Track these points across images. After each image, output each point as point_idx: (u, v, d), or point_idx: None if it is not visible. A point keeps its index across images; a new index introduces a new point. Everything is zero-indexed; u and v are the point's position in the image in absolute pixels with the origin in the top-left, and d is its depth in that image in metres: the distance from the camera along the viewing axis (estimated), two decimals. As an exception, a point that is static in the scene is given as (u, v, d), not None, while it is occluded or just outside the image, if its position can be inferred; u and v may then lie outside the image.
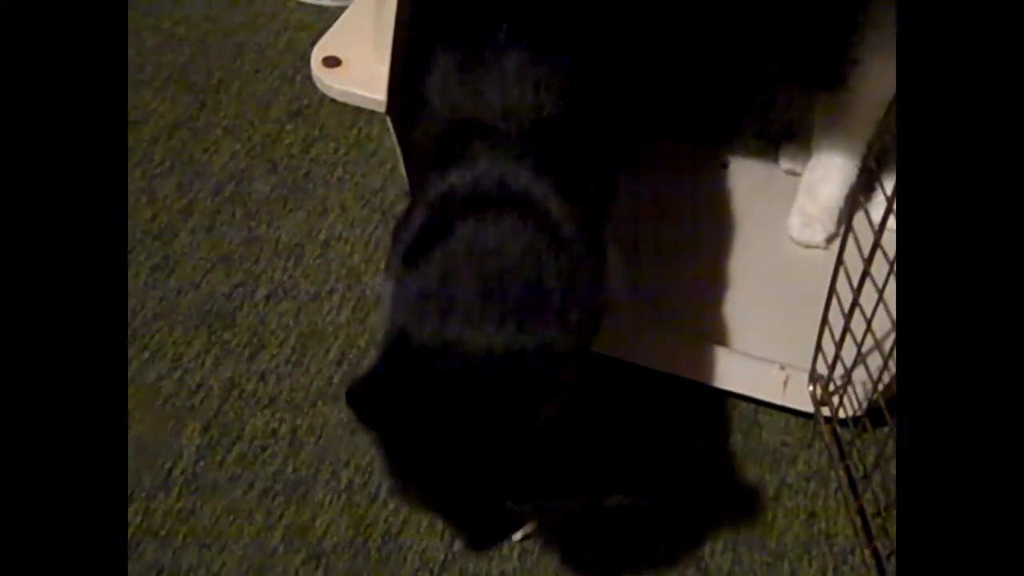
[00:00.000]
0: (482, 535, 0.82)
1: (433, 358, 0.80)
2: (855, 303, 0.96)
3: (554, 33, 0.98)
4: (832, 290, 1.01)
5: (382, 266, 1.25)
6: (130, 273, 1.32)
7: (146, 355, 1.24)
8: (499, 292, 0.82)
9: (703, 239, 1.25)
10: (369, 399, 0.79)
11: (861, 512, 1.04)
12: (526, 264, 0.84)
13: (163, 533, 1.09)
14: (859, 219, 0.94)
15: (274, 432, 1.17)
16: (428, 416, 0.78)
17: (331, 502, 1.09)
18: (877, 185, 1.05)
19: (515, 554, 1.01)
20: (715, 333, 1.16)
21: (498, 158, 0.89)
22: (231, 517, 1.10)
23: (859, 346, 0.98)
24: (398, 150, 1.13)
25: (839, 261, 0.98)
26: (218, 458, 1.15)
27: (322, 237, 1.34)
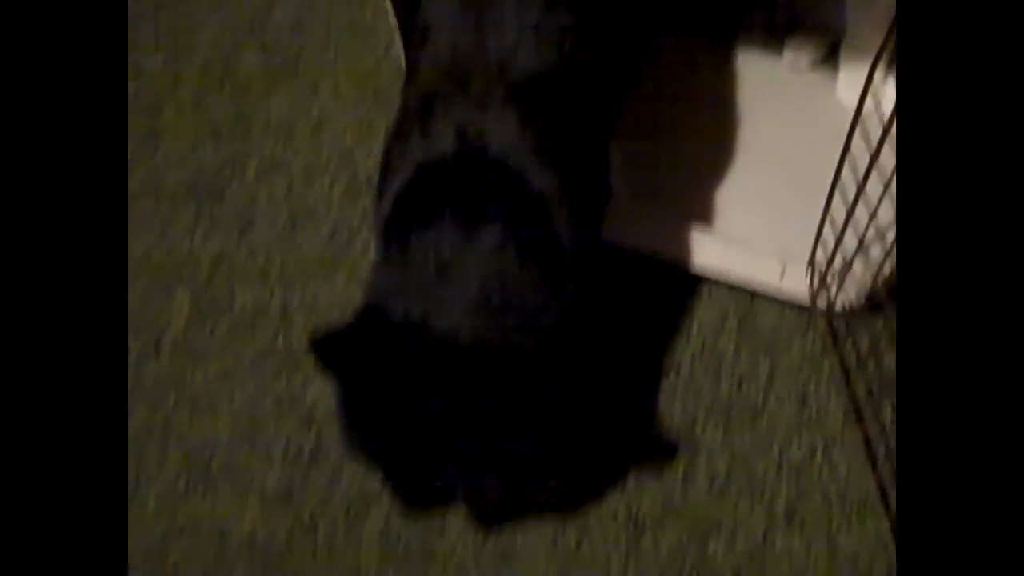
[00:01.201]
0: (417, 496, 0.85)
1: (403, 331, 0.81)
2: (860, 191, 0.96)
3: None
4: (836, 179, 1.01)
5: (374, 149, 1.24)
6: (116, 144, 1.29)
7: (134, 227, 1.22)
8: (473, 284, 0.82)
9: (706, 129, 1.24)
10: (333, 346, 0.80)
11: (853, 398, 1.06)
12: (500, 258, 0.84)
13: (154, 397, 1.08)
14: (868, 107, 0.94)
15: (265, 305, 1.15)
16: (387, 375, 0.79)
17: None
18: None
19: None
20: (714, 221, 1.16)
21: (486, 123, 0.87)
22: (222, 383, 1.09)
23: (862, 236, 0.98)
24: (396, 34, 1.10)
25: (846, 149, 0.98)
26: (208, 328, 1.14)
27: (314, 116, 1.32)
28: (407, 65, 1.00)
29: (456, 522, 0.99)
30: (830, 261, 1.07)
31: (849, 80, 1.24)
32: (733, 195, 1.18)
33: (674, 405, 1.06)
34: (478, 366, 0.80)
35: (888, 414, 1.03)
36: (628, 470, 1.02)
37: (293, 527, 0.99)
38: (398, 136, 0.92)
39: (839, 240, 1.04)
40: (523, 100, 0.87)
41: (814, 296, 1.11)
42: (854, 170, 0.97)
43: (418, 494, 0.89)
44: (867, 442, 1.03)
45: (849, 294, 1.07)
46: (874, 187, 0.93)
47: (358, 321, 0.84)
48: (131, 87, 1.35)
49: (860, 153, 0.94)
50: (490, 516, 0.99)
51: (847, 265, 1.05)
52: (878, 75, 0.87)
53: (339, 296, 1.16)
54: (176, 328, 1.14)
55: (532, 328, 0.83)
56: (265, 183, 1.26)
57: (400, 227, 0.87)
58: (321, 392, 1.08)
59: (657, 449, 1.04)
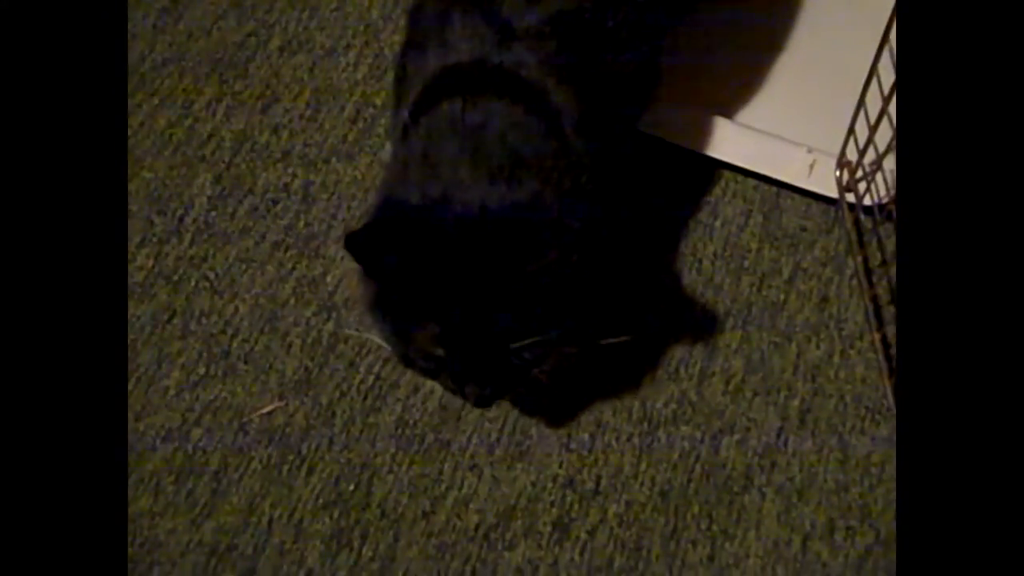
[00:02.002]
0: (486, 386, 0.83)
1: (426, 214, 0.80)
2: (896, 85, 0.93)
3: None
4: (873, 70, 0.97)
5: (400, 24, 1.21)
6: (138, 15, 1.27)
7: (156, 101, 1.21)
8: (485, 156, 0.82)
9: (737, 18, 1.19)
10: (369, 244, 0.78)
11: (874, 299, 1.04)
12: (513, 134, 0.84)
13: (175, 278, 1.09)
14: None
15: (286, 186, 1.15)
16: (425, 263, 0.78)
17: (343, 258, 1.08)
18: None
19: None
20: (744, 112, 1.13)
21: (506, 38, 0.86)
22: (243, 267, 1.10)
23: (896, 130, 0.95)
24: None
25: (885, 37, 0.94)
26: (230, 209, 1.14)
27: (339, -12, 1.29)
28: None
29: (473, 415, 1.00)
30: (861, 156, 1.05)
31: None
32: (763, 87, 1.14)
33: (694, 303, 1.05)
34: (501, 240, 0.79)
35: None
36: (644, 368, 1.02)
37: (310, 413, 1.01)
38: (414, 46, 0.91)
39: (872, 134, 1.01)
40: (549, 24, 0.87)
41: (842, 192, 1.08)
42: (893, 60, 0.93)
43: (486, 383, 0.88)
44: (885, 345, 1.02)
45: (879, 191, 1.04)
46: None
47: (383, 213, 0.84)
48: (152, -46, 1.32)
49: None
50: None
51: (878, 160, 1.02)
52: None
53: (362, 178, 1.14)
54: (198, 208, 1.13)
55: (550, 197, 0.83)
56: (288, 59, 1.24)
57: (415, 119, 0.87)
58: (343, 278, 1.08)
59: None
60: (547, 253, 0.77)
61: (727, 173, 1.11)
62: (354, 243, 0.77)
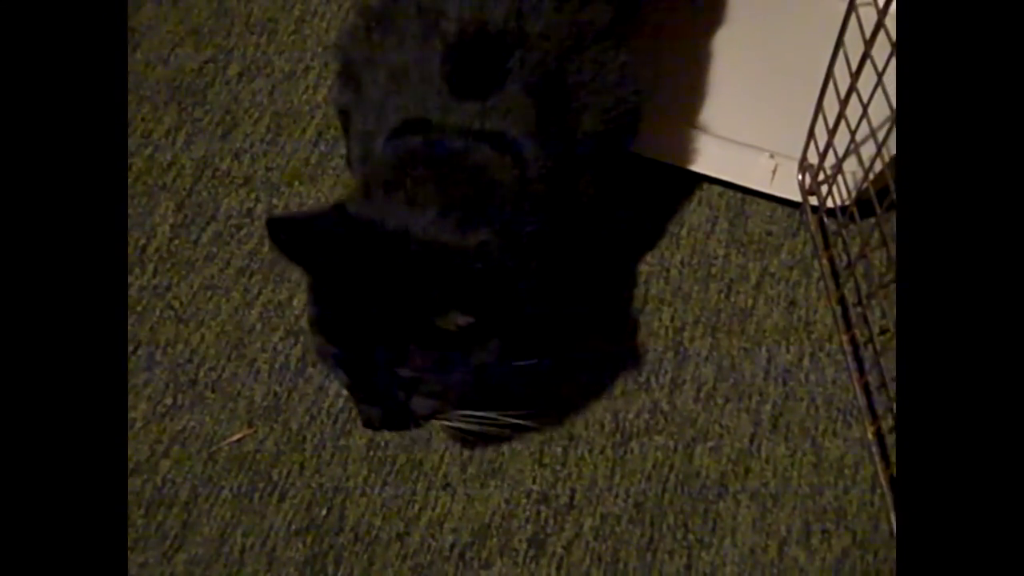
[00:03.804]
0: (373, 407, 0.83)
1: (362, 225, 0.79)
2: (852, 87, 0.93)
3: None
4: (829, 74, 0.98)
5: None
6: (95, 45, 1.26)
7: (115, 130, 1.20)
8: (444, 189, 0.81)
9: (695, 25, 1.20)
10: (287, 229, 0.78)
11: (842, 301, 1.04)
12: (477, 173, 0.83)
13: (139, 308, 1.07)
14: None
15: (249, 211, 1.14)
16: (336, 271, 0.78)
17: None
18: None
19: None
20: (705, 120, 1.13)
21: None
22: (208, 294, 1.09)
23: (853, 133, 0.96)
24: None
25: (839, 42, 0.94)
26: (193, 236, 1.13)
27: (296, 12, 1.28)
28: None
29: (443, 435, 0.99)
30: (822, 159, 1.05)
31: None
32: (724, 93, 1.15)
33: (663, 311, 1.05)
34: (419, 277, 0.77)
35: (876, 317, 1.02)
36: (615, 379, 1.02)
37: (280, 439, 1.00)
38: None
39: (831, 138, 1.01)
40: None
41: (806, 196, 1.08)
42: (848, 65, 0.93)
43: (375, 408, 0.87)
44: (854, 346, 1.02)
45: (841, 194, 1.05)
46: (867, 82, 0.90)
47: (320, 213, 0.83)
48: (108, -17, 1.31)
49: (854, 47, 0.91)
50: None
51: (839, 163, 1.02)
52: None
53: (325, 199, 1.14)
54: (161, 237, 1.12)
55: (498, 235, 0.81)
56: (247, 84, 1.23)
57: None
58: (306, 303, 1.07)
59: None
60: (457, 308, 0.75)
61: (692, 180, 1.11)
62: (273, 225, 0.77)
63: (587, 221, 0.96)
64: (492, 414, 0.84)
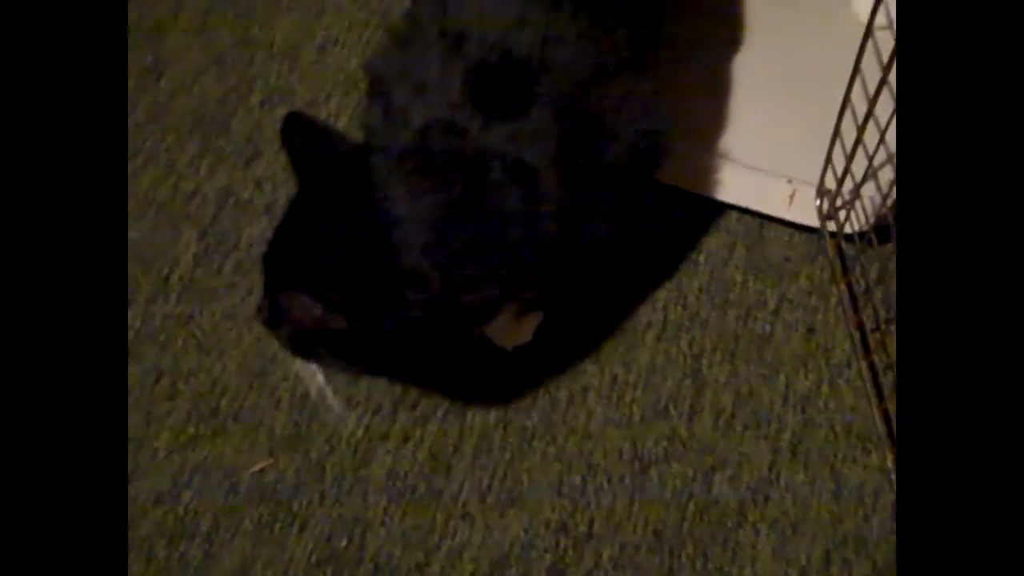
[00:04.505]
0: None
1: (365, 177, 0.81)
2: (869, 113, 0.93)
3: None
4: (847, 99, 0.97)
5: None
6: (119, 75, 1.28)
7: (139, 160, 1.21)
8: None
9: (711, 49, 1.20)
10: (303, 131, 0.83)
11: (860, 327, 1.04)
12: (482, 191, 0.83)
13: (162, 338, 1.09)
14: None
15: (271, 240, 1.15)
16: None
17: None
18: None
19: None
20: (722, 146, 1.13)
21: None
22: (230, 323, 1.10)
23: (870, 158, 0.95)
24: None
25: (856, 69, 0.94)
26: (215, 265, 1.14)
27: (318, 40, 1.29)
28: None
29: (462, 464, 1.00)
30: (839, 184, 1.05)
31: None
32: (741, 118, 1.14)
33: (680, 338, 1.05)
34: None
35: (894, 344, 1.02)
36: (633, 407, 1.02)
37: (300, 469, 1.01)
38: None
39: (849, 163, 1.01)
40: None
41: (824, 222, 1.08)
42: (865, 90, 0.93)
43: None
44: (873, 373, 1.01)
45: (859, 219, 1.04)
46: (885, 107, 0.89)
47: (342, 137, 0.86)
48: (132, 13, 1.32)
49: (871, 72, 0.91)
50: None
51: (856, 188, 1.02)
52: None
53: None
54: (184, 266, 1.14)
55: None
56: (269, 112, 1.24)
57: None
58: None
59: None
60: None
61: (709, 205, 1.11)
62: (290, 121, 0.81)
63: (602, 250, 0.96)
64: None
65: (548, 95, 0.85)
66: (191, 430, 1.04)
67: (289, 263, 0.82)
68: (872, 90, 0.91)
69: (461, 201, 0.80)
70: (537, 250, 0.85)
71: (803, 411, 1.01)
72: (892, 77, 0.87)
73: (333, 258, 0.79)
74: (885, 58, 0.87)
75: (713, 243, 1.10)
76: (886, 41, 0.87)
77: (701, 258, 1.10)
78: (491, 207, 0.82)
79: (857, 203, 1.03)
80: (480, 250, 0.81)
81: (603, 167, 0.89)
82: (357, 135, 1.17)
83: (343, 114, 1.23)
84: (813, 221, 1.08)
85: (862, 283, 1.06)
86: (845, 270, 1.07)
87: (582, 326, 1.06)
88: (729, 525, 0.96)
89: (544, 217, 0.84)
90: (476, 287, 0.83)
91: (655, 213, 1.11)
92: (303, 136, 0.81)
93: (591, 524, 0.97)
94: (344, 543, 0.97)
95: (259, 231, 1.15)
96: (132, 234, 1.15)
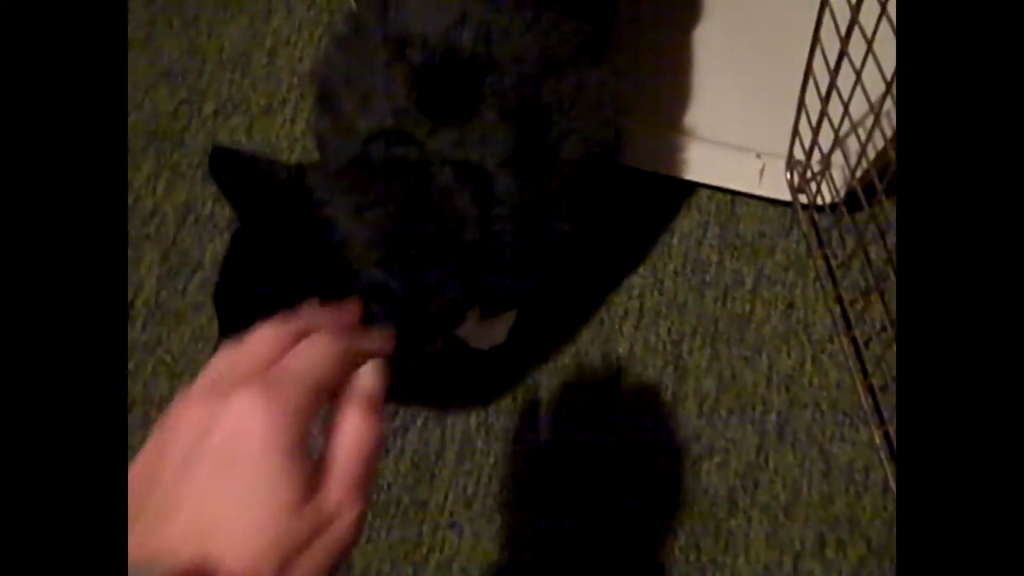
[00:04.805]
0: None
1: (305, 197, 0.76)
2: (832, 85, 0.91)
3: None
4: (808, 72, 0.95)
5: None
6: (68, 96, 1.25)
7: (94, 182, 1.18)
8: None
9: (674, 27, 1.17)
10: (229, 164, 0.75)
11: (840, 300, 1.02)
12: (430, 196, 0.79)
13: (131, 366, 1.06)
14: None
15: (236, 255, 1.12)
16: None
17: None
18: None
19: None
20: (688, 124, 1.10)
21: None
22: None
23: (836, 130, 0.93)
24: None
25: (815, 40, 0.92)
26: (180, 286, 1.11)
27: (268, 44, 1.26)
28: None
29: (446, 472, 0.98)
30: (808, 156, 1.02)
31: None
32: (706, 93, 1.12)
33: (659, 325, 1.03)
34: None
35: (877, 313, 1.00)
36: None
37: (282, 491, 0.99)
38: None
39: (816, 134, 0.99)
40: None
41: (795, 194, 1.06)
42: (826, 62, 0.91)
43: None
44: (856, 347, 1.00)
45: (830, 191, 1.02)
46: (848, 77, 0.87)
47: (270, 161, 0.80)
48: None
49: (832, 42, 0.88)
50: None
51: (825, 159, 1.00)
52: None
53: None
54: (147, 290, 1.11)
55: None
56: (224, 122, 1.21)
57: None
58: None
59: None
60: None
61: (678, 185, 1.09)
62: (216, 156, 0.74)
63: (565, 246, 0.94)
64: None
65: (495, 94, 0.83)
66: (167, 459, 1.01)
67: (241, 299, 0.79)
68: (833, 61, 0.89)
69: (407, 209, 0.78)
70: (498, 251, 0.82)
71: (787, 391, 0.99)
72: (851, 49, 0.85)
73: (287, 287, 0.76)
74: (844, 27, 0.85)
75: (685, 224, 1.08)
76: (845, 11, 0.84)
77: (674, 240, 1.07)
78: (440, 212, 0.79)
79: (827, 174, 1.01)
80: (436, 255, 0.79)
81: (559, 163, 0.86)
82: (311, 147, 1.16)
83: (299, 119, 1.20)
84: (785, 195, 1.06)
85: (838, 255, 1.04)
86: (821, 242, 1.05)
87: (558, 321, 1.04)
88: (720, 515, 0.95)
89: (499, 218, 0.82)
90: (439, 291, 0.80)
91: (622, 198, 1.09)
92: (231, 169, 0.77)
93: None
94: (331, 563, 0.96)
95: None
96: (93, 260, 1.13)
